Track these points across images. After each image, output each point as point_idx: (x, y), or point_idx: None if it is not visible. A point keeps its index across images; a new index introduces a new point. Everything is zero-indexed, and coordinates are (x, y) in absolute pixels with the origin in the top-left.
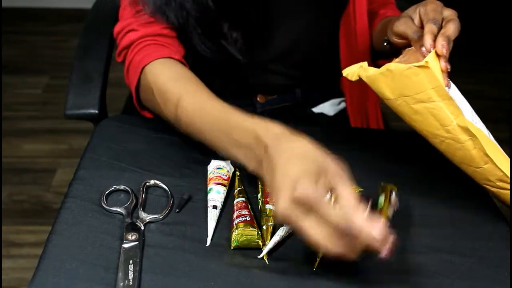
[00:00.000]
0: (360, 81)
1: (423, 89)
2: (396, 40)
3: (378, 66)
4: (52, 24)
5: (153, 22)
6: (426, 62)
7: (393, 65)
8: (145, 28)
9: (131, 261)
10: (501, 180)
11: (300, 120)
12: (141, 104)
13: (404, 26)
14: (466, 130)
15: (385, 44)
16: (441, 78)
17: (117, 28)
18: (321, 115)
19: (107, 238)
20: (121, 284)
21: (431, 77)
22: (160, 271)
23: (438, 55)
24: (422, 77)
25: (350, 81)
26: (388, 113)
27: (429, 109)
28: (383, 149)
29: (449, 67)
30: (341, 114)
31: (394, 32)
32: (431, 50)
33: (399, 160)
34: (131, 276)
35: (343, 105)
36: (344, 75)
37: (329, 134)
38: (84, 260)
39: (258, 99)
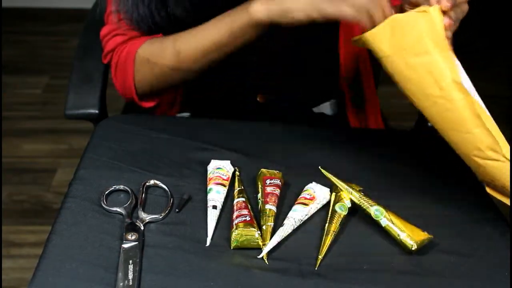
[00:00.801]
0: (364, 44)
1: (421, 38)
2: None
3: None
4: (52, 24)
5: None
6: (427, 9)
7: (395, 15)
8: (131, 32)
9: (131, 261)
10: (492, 149)
11: (300, 120)
12: (139, 94)
13: None
14: (461, 88)
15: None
16: (442, 30)
17: (103, 31)
18: (321, 115)
19: (107, 238)
20: (121, 284)
21: (430, 25)
22: (160, 271)
23: (443, 12)
24: (421, 25)
25: (349, 81)
26: (387, 113)
27: (425, 64)
28: (383, 149)
29: (453, 24)
30: (341, 114)
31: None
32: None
33: (398, 160)
34: (131, 276)
35: (343, 105)
36: (352, 42)
37: (329, 134)
38: (84, 260)
39: (258, 99)
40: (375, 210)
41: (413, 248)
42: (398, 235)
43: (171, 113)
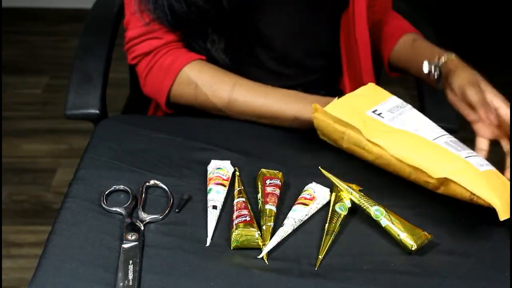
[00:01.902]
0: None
1: (332, 129)
2: (452, 96)
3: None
4: (52, 24)
5: (173, 30)
6: (316, 108)
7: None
8: (167, 36)
9: (131, 261)
10: (429, 178)
11: None
12: (169, 103)
13: (476, 97)
14: (375, 144)
15: (435, 79)
16: (338, 113)
17: (132, 33)
18: None
19: (107, 238)
20: (121, 284)
21: (326, 117)
22: (160, 271)
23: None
24: (324, 121)
25: (350, 81)
26: None
27: (349, 140)
28: None
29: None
30: None
31: (462, 94)
32: None
33: None
34: (131, 276)
35: None
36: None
37: None
38: (84, 260)
39: None
40: (375, 210)
41: (413, 248)
42: (398, 235)
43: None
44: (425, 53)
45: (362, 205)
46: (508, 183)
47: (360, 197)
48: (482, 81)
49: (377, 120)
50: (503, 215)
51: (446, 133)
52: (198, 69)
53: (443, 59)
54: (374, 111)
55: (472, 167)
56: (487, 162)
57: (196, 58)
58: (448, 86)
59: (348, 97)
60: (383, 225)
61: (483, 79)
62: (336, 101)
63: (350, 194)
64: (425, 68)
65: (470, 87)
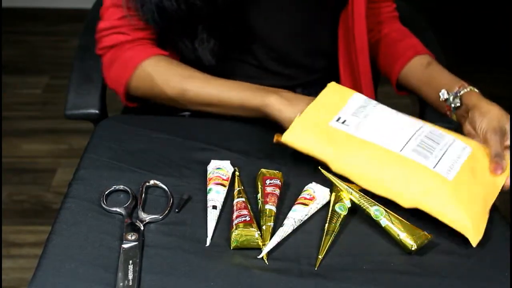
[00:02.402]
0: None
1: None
2: (470, 130)
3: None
4: (52, 24)
5: (143, 28)
6: (276, 139)
7: None
8: (135, 33)
9: (130, 261)
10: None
11: None
12: (128, 95)
13: (497, 145)
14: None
15: (452, 107)
16: (300, 141)
17: (102, 25)
18: None
19: (106, 238)
20: (121, 284)
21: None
22: (160, 271)
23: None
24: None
25: (348, 81)
26: None
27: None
28: None
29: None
30: None
31: (484, 137)
32: None
33: None
34: (130, 276)
35: None
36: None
37: None
38: (84, 260)
39: None
40: (375, 210)
41: (413, 248)
42: (398, 235)
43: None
44: (442, 80)
45: (362, 205)
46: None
47: (360, 197)
48: (507, 124)
49: (343, 132)
50: (474, 241)
51: (415, 126)
52: (155, 63)
53: (464, 90)
54: (338, 120)
55: (440, 181)
56: (457, 156)
57: (156, 54)
58: (468, 121)
59: (310, 109)
60: (383, 225)
61: (507, 118)
62: (296, 121)
63: (350, 194)
64: (443, 96)
65: (493, 135)
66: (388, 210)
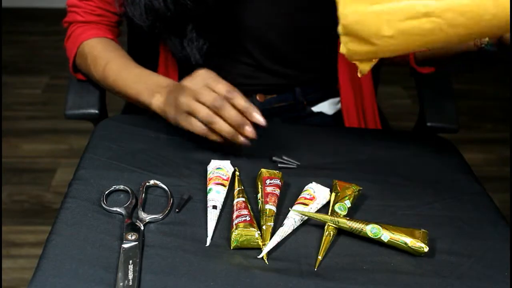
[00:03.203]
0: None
1: (367, 19)
2: None
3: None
4: (52, 24)
5: (98, 14)
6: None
7: None
8: (88, 16)
9: (130, 261)
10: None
11: (299, 119)
12: (75, 68)
13: None
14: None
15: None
16: None
17: (70, 1)
18: (320, 114)
19: (106, 238)
20: (121, 284)
21: (357, 3)
22: (160, 271)
23: None
24: (356, 13)
25: (346, 81)
26: (387, 113)
27: (395, 17)
28: (383, 149)
29: None
30: (340, 113)
31: None
32: None
33: (398, 160)
34: (130, 276)
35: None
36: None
37: (329, 134)
38: (84, 260)
39: (257, 98)
40: (372, 229)
41: (425, 250)
42: (405, 243)
43: None
44: None
45: (356, 229)
46: None
47: (349, 221)
48: None
49: None
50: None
51: None
52: (92, 44)
53: None
54: None
55: None
56: None
57: (98, 36)
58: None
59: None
60: (386, 241)
61: None
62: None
63: (337, 224)
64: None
65: None
66: (381, 224)
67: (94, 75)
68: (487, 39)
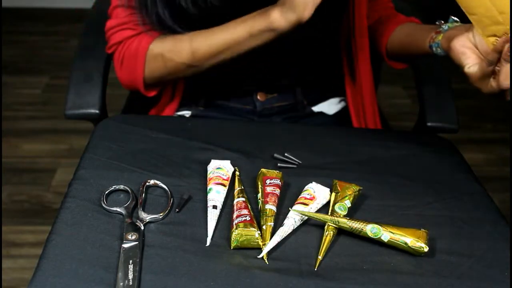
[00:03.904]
0: None
1: None
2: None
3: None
4: (52, 24)
5: (149, 23)
6: None
7: None
8: (140, 27)
9: (131, 261)
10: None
11: (299, 118)
12: (146, 85)
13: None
14: None
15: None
16: None
17: (110, 24)
18: (321, 114)
19: (107, 238)
20: (121, 284)
21: None
22: (160, 271)
23: None
24: None
25: (350, 81)
26: (387, 113)
27: None
28: (383, 149)
29: None
30: (341, 113)
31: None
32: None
33: (398, 160)
34: (131, 276)
35: (342, 104)
36: None
37: (329, 134)
38: (84, 260)
39: (258, 97)
40: (372, 228)
41: (425, 250)
42: (405, 243)
43: (170, 111)
44: (426, 28)
45: (356, 229)
46: None
47: (349, 221)
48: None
49: None
50: None
51: None
52: (160, 42)
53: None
54: None
55: None
56: None
57: (157, 36)
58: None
59: None
60: (386, 241)
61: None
62: None
63: (337, 224)
64: (439, 23)
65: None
66: (381, 223)
67: (180, 61)
68: (439, 38)
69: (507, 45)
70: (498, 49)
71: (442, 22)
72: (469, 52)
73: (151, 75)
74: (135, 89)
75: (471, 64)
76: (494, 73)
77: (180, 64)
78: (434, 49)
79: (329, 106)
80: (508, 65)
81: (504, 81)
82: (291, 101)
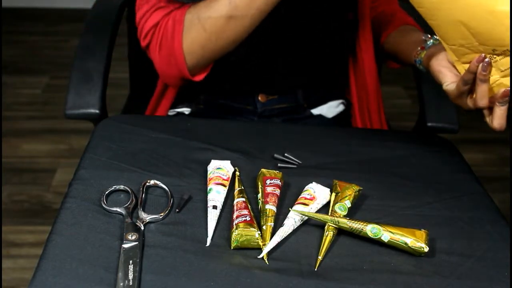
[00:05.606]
0: None
1: None
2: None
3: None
4: (52, 24)
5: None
6: None
7: None
8: (172, 4)
9: (131, 261)
10: None
11: (298, 120)
12: (189, 68)
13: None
14: None
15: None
16: None
17: (139, 14)
18: (319, 116)
19: (107, 238)
20: (121, 284)
21: None
22: (160, 271)
23: None
24: None
25: (354, 84)
26: (387, 113)
27: None
28: (383, 149)
29: None
30: (340, 117)
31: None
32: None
33: (399, 160)
34: (131, 276)
35: (341, 107)
36: None
37: (329, 134)
38: (84, 260)
39: (259, 98)
40: (372, 229)
41: (425, 250)
42: (406, 243)
43: (167, 103)
44: (414, 39)
45: (356, 229)
46: None
47: (349, 222)
48: None
49: None
50: None
51: None
52: (192, 7)
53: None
54: None
55: None
56: None
57: (190, 5)
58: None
59: None
60: (386, 241)
61: None
62: None
63: (337, 224)
64: (425, 37)
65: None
66: (381, 224)
67: (218, 17)
68: (422, 55)
69: (481, 65)
70: (473, 69)
71: (429, 36)
72: (445, 70)
73: (192, 48)
74: (177, 77)
75: (449, 82)
76: (471, 92)
77: (219, 19)
78: (417, 65)
79: (328, 109)
80: (484, 85)
81: (480, 101)
82: (291, 103)
